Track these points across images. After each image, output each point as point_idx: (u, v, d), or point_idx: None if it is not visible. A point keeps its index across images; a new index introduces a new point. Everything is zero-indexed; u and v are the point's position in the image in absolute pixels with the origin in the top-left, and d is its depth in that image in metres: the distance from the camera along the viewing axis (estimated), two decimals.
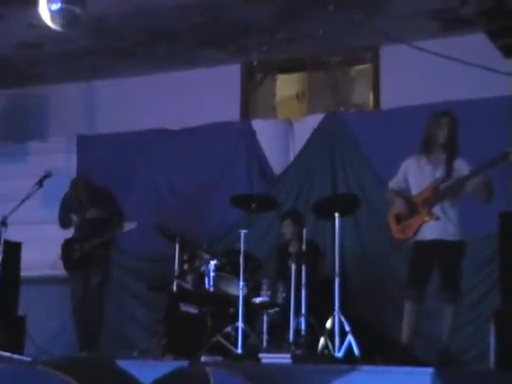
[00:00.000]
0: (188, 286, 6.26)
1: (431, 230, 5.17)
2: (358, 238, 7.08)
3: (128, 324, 7.67)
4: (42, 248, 7.26)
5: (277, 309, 5.94)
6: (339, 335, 5.13)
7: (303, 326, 5.56)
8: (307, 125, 7.62)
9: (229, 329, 5.65)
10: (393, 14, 6.85)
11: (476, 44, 6.76)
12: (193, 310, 6.09)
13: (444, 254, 5.15)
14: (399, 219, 5.32)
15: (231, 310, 5.88)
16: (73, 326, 6.77)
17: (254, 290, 5.91)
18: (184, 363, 3.90)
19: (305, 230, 5.96)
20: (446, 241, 5.15)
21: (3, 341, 6.12)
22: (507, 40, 5.86)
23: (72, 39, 7.39)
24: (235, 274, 5.83)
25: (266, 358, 4.97)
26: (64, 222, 6.87)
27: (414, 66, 7.19)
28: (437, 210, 5.17)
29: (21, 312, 6.93)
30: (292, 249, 6.33)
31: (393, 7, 6.80)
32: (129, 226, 6.58)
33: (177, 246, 6.53)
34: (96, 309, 6.55)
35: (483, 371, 5.39)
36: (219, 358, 5.33)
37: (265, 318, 5.85)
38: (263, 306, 5.90)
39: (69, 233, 6.93)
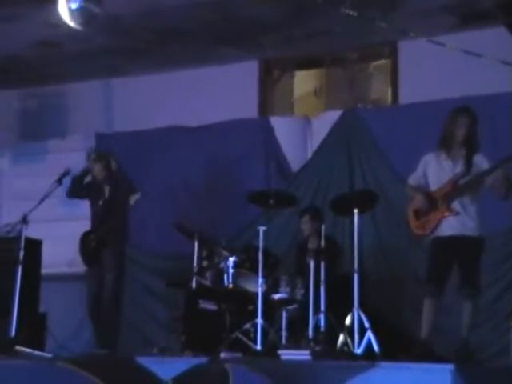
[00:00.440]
0: (207, 282, 6.27)
1: (450, 225, 5.14)
2: (376, 234, 7.06)
3: (147, 321, 7.70)
4: (62, 245, 7.30)
5: (295, 305, 5.94)
6: (358, 332, 5.13)
7: (322, 323, 5.56)
8: (325, 121, 7.61)
9: (248, 325, 5.66)
10: (410, 9, 6.83)
11: (494, 38, 6.73)
12: (212, 306, 6.11)
13: (463, 249, 5.13)
14: (419, 215, 5.30)
15: (250, 306, 5.89)
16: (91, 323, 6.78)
17: (272, 286, 5.91)
18: (203, 360, 3.92)
19: (323, 227, 5.96)
20: (466, 236, 5.12)
21: (25, 337, 6.17)
22: None
23: (89, 38, 7.43)
24: (254, 270, 5.84)
25: (286, 354, 4.98)
26: (72, 194, 6.78)
27: (431, 61, 7.15)
28: (456, 205, 5.15)
29: (41, 309, 6.98)
30: (311, 245, 6.33)
31: (410, 2, 6.77)
32: (134, 197, 6.47)
33: (195, 243, 6.54)
34: (112, 306, 6.50)
35: (503, 368, 5.36)
36: (238, 355, 5.34)
37: (284, 314, 5.85)
38: (282, 302, 5.90)
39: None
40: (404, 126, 7.17)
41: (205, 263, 6.36)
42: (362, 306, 5.23)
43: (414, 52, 7.33)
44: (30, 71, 8.47)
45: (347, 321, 5.30)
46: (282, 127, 7.78)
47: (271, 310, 5.87)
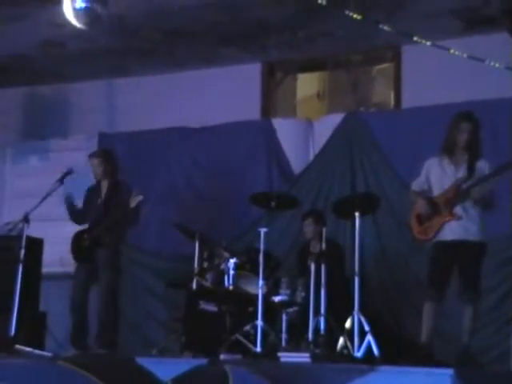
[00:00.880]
0: (207, 283, 6.27)
1: (452, 229, 5.15)
2: (377, 238, 7.06)
3: (147, 322, 7.70)
4: (63, 244, 7.29)
5: (296, 308, 5.94)
6: (358, 335, 5.12)
7: (322, 326, 5.56)
8: (327, 124, 7.61)
9: (248, 327, 5.66)
10: (414, 13, 6.82)
11: (498, 43, 6.73)
12: (212, 308, 6.11)
13: (465, 254, 5.13)
14: (421, 220, 5.30)
15: (250, 308, 5.89)
16: (93, 323, 6.73)
17: (273, 288, 5.91)
18: (203, 361, 3.92)
19: (324, 229, 5.96)
20: (467, 241, 5.13)
21: (25, 336, 6.17)
22: None
23: (93, 38, 7.44)
24: (254, 272, 5.84)
25: (285, 356, 4.98)
26: (73, 220, 6.72)
27: (435, 65, 7.15)
28: (458, 209, 5.15)
29: (41, 308, 6.98)
30: (313, 248, 6.32)
31: (414, 6, 6.77)
32: (135, 200, 6.30)
33: (196, 244, 6.55)
34: (110, 306, 6.45)
35: (504, 372, 5.36)
36: (238, 357, 5.34)
37: (284, 316, 5.86)
38: (282, 304, 5.90)
39: None
40: (406, 130, 7.17)
41: (205, 264, 6.36)
42: (362, 310, 5.23)
43: (417, 56, 7.32)
44: (34, 70, 8.48)
45: (347, 324, 5.29)
46: (285, 129, 7.79)
47: (271, 312, 5.87)
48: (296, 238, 7.13)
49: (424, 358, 4.84)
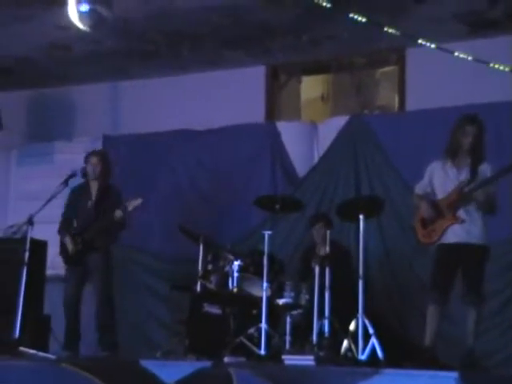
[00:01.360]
0: (211, 286, 6.26)
1: (455, 233, 5.15)
2: (381, 240, 7.05)
3: (151, 324, 7.69)
4: None
5: (300, 310, 5.94)
6: (363, 338, 5.12)
7: (326, 328, 5.55)
8: (331, 127, 7.61)
9: (252, 330, 5.66)
10: (418, 16, 6.82)
11: (502, 46, 6.73)
12: (216, 310, 6.11)
13: (468, 257, 5.13)
14: (425, 224, 5.30)
15: (254, 311, 5.89)
16: (95, 325, 6.72)
17: (277, 291, 5.91)
18: (207, 364, 3.92)
19: (328, 232, 5.96)
20: (471, 244, 5.13)
21: (29, 339, 6.17)
22: None
23: (98, 40, 7.46)
24: (259, 275, 5.84)
25: (289, 359, 4.98)
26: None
27: (439, 68, 7.15)
28: (461, 213, 5.15)
29: (46, 310, 6.99)
30: (320, 251, 6.30)
31: (418, 10, 6.77)
32: (134, 203, 6.21)
33: (201, 247, 6.55)
34: (107, 308, 6.42)
35: (509, 376, 5.34)
36: (242, 359, 5.35)
37: (288, 319, 5.85)
38: (286, 307, 5.89)
39: None
40: (410, 133, 7.16)
41: (210, 267, 6.35)
42: (366, 312, 5.22)
43: (421, 59, 7.32)
44: (39, 73, 8.49)
45: (351, 327, 5.29)
46: (289, 132, 7.79)
47: (275, 314, 5.87)
48: (300, 240, 7.13)
49: (428, 360, 4.83)
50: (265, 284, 5.66)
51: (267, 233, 5.78)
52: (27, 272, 6.00)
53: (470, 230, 5.13)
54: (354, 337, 5.22)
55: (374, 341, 5.07)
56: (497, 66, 6.18)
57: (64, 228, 6.53)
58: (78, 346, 6.38)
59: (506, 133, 6.63)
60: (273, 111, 8.25)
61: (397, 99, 7.91)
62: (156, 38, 7.63)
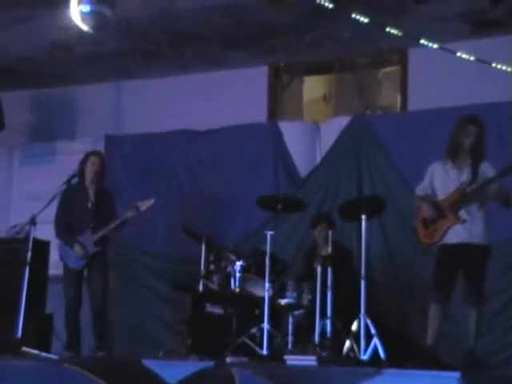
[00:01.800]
0: (214, 286, 6.27)
1: (457, 233, 5.15)
2: (383, 240, 7.05)
3: (153, 324, 7.69)
4: None
5: (302, 310, 5.94)
6: (365, 338, 5.12)
7: (329, 328, 5.56)
8: (334, 127, 7.61)
9: (254, 330, 5.67)
10: (421, 16, 6.82)
11: (505, 46, 6.72)
12: (218, 310, 6.12)
13: (469, 257, 5.13)
14: (427, 224, 5.31)
15: (257, 311, 5.89)
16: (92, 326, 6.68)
17: (279, 291, 5.91)
18: (209, 364, 3.93)
19: (330, 232, 5.96)
20: (472, 244, 5.13)
21: (31, 338, 6.18)
22: None
23: (100, 41, 7.46)
24: (261, 275, 5.84)
25: (292, 359, 4.98)
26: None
27: (441, 68, 7.14)
28: (463, 213, 5.16)
29: (48, 310, 7.00)
30: (323, 252, 6.30)
31: (420, 10, 6.76)
32: (147, 204, 6.30)
33: (203, 247, 6.55)
34: (104, 308, 6.40)
35: (510, 376, 5.35)
36: (244, 359, 5.35)
37: (290, 319, 5.86)
38: (288, 307, 5.90)
39: None
40: (413, 133, 7.16)
41: (212, 267, 6.36)
42: (368, 312, 5.22)
43: (423, 59, 7.32)
44: (41, 73, 8.50)
45: (354, 327, 5.29)
46: (291, 132, 7.79)
47: (278, 314, 5.88)
48: (302, 240, 7.13)
49: (429, 360, 4.83)
50: (267, 284, 5.67)
51: (269, 233, 5.78)
52: (30, 272, 6.01)
53: (471, 230, 5.13)
54: (356, 337, 5.23)
55: (376, 341, 5.07)
56: (499, 67, 6.18)
57: (66, 234, 6.42)
58: (80, 347, 6.38)
59: (507, 133, 6.63)
60: (275, 111, 8.25)
61: (399, 99, 7.91)
62: (158, 38, 7.63)
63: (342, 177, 7.40)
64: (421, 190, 5.45)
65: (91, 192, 6.48)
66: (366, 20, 6.26)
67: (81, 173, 6.51)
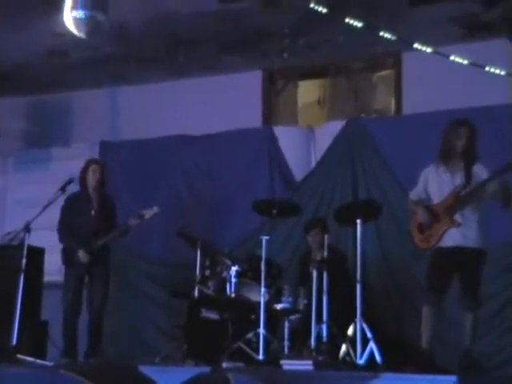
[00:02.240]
0: (209, 291, 6.26)
1: (452, 236, 5.16)
2: (379, 244, 7.05)
3: (149, 329, 7.67)
4: None
5: (298, 315, 5.94)
6: (361, 342, 5.12)
7: (325, 333, 5.55)
8: (328, 131, 7.62)
9: (250, 335, 5.66)
10: (415, 20, 6.83)
11: (498, 49, 6.74)
12: (214, 315, 6.11)
13: (464, 261, 5.14)
14: (422, 229, 5.31)
15: (252, 316, 5.89)
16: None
17: (275, 296, 5.91)
18: (205, 369, 3.92)
19: (326, 237, 5.96)
20: (467, 248, 5.14)
21: (26, 345, 6.16)
22: None
23: (95, 47, 7.46)
24: (256, 280, 5.84)
25: (288, 364, 4.97)
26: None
27: (435, 71, 7.16)
28: (458, 216, 5.16)
29: (43, 317, 6.98)
30: (317, 256, 6.29)
31: (414, 13, 6.78)
32: (151, 212, 6.36)
33: (198, 252, 6.54)
34: (100, 317, 6.41)
35: (508, 378, 5.35)
36: (240, 364, 5.34)
37: (286, 324, 5.85)
38: (284, 312, 5.89)
39: None
40: (407, 136, 7.16)
41: (207, 272, 6.36)
42: (364, 316, 5.22)
43: (417, 63, 7.33)
44: (36, 79, 8.49)
45: (350, 331, 5.29)
46: (286, 137, 7.79)
47: (273, 319, 5.87)
48: (298, 245, 7.13)
49: (425, 363, 4.83)
50: (263, 289, 5.66)
51: (265, 238, 5.78)
52: (24, 279, 6.00)
53: (465, 234, 5.14)
54: (352, 341, 5.22)
55: (372, 345, 5.06)
56: (493, 70, 6.19)
57: (70, 239, 6.45)
58: (77, 353, 6.36)
59: (501, 136, 6.64)
60: (270, 116, 8.26)
61: (393, 103, 7.92)
62: (153, 43, 7.63)
63: (337, 181, 7.41)
64: (415, 194, 5.47)
65: (95, 200, 6.53)
66: (360, 24, 6.27)
67: (83, 181, 6.57)
